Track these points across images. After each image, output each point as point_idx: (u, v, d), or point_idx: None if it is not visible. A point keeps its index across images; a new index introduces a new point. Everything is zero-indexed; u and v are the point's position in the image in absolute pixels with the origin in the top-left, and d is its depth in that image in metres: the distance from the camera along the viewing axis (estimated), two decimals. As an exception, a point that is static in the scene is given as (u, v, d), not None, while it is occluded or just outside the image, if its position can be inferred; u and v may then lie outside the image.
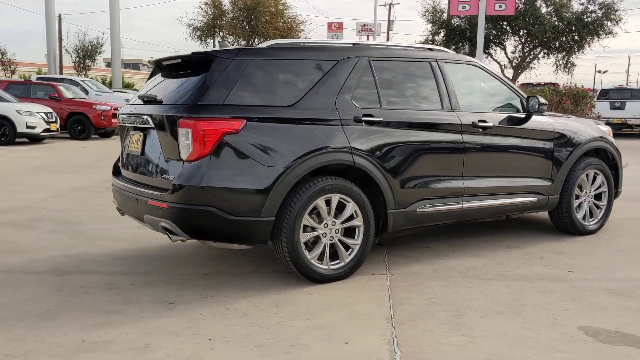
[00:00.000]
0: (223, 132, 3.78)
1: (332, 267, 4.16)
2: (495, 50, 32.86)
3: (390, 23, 52.10)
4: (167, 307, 3.71)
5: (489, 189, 4.95)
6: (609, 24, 29.43)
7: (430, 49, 5.01)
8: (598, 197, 5.79)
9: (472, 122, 4.79)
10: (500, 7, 12.27)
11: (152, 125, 4.05)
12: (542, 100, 5.16)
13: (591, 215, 5.74)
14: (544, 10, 29.42)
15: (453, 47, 32.32)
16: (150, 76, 4.83)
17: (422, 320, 3.46)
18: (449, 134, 4.69)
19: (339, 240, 4.19)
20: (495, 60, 33.05)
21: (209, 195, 3.77)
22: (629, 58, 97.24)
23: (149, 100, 4.22)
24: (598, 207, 5.79)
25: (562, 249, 5.13)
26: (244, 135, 3.83)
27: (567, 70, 31.85)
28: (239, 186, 3.82)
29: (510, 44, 32.27)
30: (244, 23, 36.43)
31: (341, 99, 4.23)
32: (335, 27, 44.71)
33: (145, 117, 4.13)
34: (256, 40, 36.39)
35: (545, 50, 31.52)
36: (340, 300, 3.82)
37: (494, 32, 30.76)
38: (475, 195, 4.86)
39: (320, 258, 4.13)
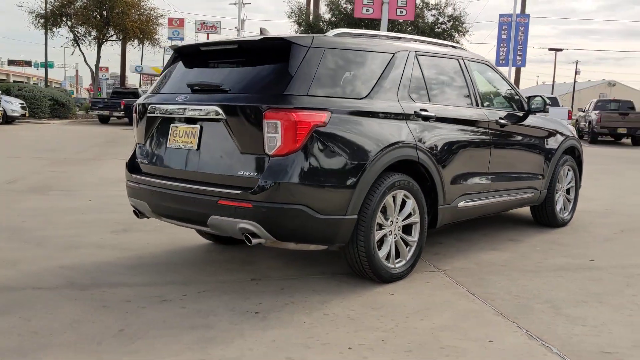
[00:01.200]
0: (313, 125, 3.48)
1: (397, 265, 4.04)
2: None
3: (241, 22, 51.97)
4: (260, 318, 3.33)
5: (505, 184, 5.13)
6: (457, 35, 31.96)
7: (454, 47, 5.07)
8: (567, 191, 6.26)
9: (496, 120, 4.94)
10: (401, 12, 12.81)
11: (220, 117, 3.60)
12: (547, 100, 5.48)
13: (564, 208, 6.20)
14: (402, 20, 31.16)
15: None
16: (171, 64, 4.32)
17: (532, 314, 3.48)
18: (482, 130, 4.79)
19: (400, 237, 4.08)
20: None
21: (300, 193, 3.46)
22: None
23: (205, 89, 3.77)
24: (569, 200, 6.27)
25: (559, 240, 5.47)
26: (330, 129, 3.57)
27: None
28: (329, 183, 3.56)
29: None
30: (96, 12, 33.95)
31: (402, 93, 4.12)
32: (177, 24, 43.45)
33: (204, 107, 3.67)
34: (111, 31, 34.13)
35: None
36: (428, 299, 3.71)
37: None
38: (496, 190, 5.01)
39: (386, 257, 3.99)
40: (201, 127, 3.75)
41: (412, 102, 4.17)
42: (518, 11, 30.45)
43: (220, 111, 3.59)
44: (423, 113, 4.19)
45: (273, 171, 3.42)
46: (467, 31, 32.18)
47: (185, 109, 3.79)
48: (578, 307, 3.63)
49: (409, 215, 4.11)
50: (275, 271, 4.27)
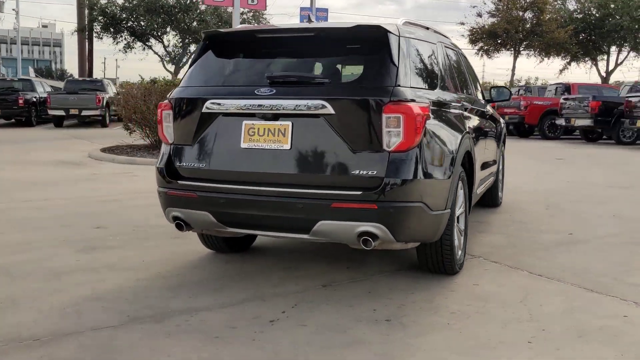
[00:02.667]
0: (425, 118, 3.35)
1: (459, 256, 4.08)
2: (153, 42, 32.57)
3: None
4: (399, 325, 3.11)
5: (487, 171, 5.45)
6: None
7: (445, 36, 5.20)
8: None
9: (486, 108, 5.22)
10: (252, 1, 12.52)
11: (325, 112, 3.25)
12: (511, 90, 5.92)
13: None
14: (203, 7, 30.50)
15: (111, 36, 30.90)
16: (204, 52, 3.77)
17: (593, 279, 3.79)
18: (484, 118, 5.03)
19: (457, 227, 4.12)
20: (156, 53, 32.82)
21: (420, 190, 3.30)
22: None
23: (296, 82, 3.38)
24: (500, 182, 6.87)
25: (523, 219, 5.97)
26: (431, 121, 3.47)
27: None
28: (437, 177, 3.45)
29: (169, 38, 32.44)
30: None
31: (447, 83, 4.16)
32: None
33: (303, 102, 3.28)
34: None
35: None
36: (513, 285, 3.81)
37: (155, 25, 30.44)
38: (482, 178, 5.30)
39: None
40: (292, 124, 3.35)
41: (455, 92, 4.22)
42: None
43: (328, 106, 3.24)
44: (465, 104, 4.27)
45: (397, 168, 3.22)
46: (268, 22, 32.76)
47: (271, 104, 3.34)
48: None
49: (461, 205, 4.17)
50: (335, 274, 3.99)
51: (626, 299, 3.52)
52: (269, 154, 3.40)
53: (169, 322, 3.15)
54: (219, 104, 3.48)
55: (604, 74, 35.50)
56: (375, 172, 3.22)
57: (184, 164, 3.64)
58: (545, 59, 34.77)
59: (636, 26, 31.34)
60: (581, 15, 33.97)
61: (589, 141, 18.17)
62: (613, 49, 34.80)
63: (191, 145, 3.61)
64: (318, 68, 3.52)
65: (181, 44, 32.29)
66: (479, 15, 33.79)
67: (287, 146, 3.34)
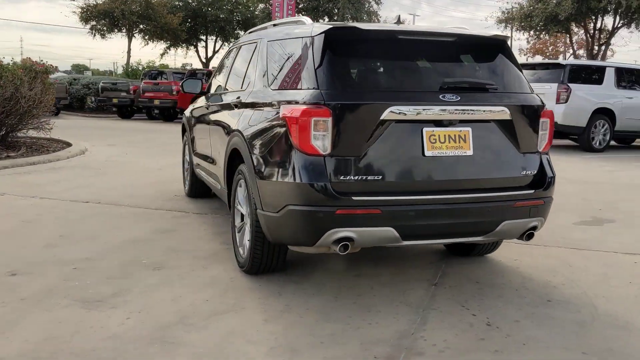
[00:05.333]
0: None
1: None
2: None
3: None
4: (480, 321, 3.60)
5: None
6: None
7: None
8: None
9: None
10: None
11: (505, 117, 3.46)
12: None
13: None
14: None
15: None
16: (336, 49, 3.37)
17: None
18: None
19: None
20: None
21: None
22: None
23: (469, 88, 3.42)
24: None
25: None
26: None
27: None
28: None
29: None
30: None
31: None
32: None
33: (485, 108, 3.41)
34: None
35: None
36: (545, 262, 4.65)
37: None
38: None
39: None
40: (471, 130, 3.41)
41: None
42: None
43: (507, 111, 3.45)
44: None
45: (547, 166, 3.67)
46: None
47: (456, 109, 3.32)
48: None
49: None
50: (351, 270, 4.12)
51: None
52: (452, 160, 3.37)
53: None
54: (404, 111, 3.23)
55: (204, 60, 38.40)
56: (535, 171, 3.61)
57: (353, 177, 3.22)
58: (150, 42, 35.49)
59: (223, 17, 34.65)
60: (182, 4, 35.76)
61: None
62: (213, 37, 37.95)
63: (360, 156, 3.22)
64: (469, 72, 3.58)
65: None
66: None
67: (470, 152, 3.40)
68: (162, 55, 38.57)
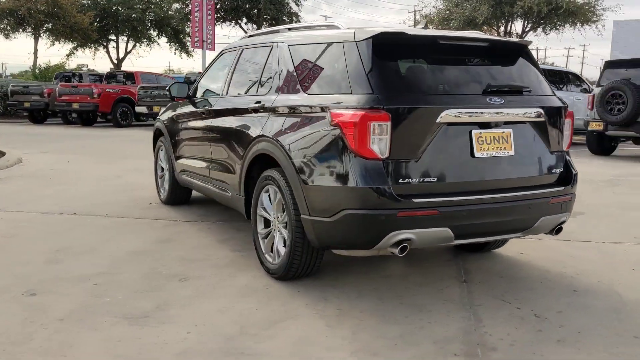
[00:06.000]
0: None
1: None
2: None
3: None
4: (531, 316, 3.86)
5: None
6: None
7: None
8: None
9: None
10: None
11: (542, 119, 3.67)
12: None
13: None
14: None
15: None
16: (383, 54, 3.42)
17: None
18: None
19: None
20: None
21: None
22: None
23: (508, 91, 3.59)
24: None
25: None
26: None
27: None
28: None
29: None
30: None
31: None
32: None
33: (525, 110, 3.60)
34: None
35: None
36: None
37: None
38: None
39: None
40: (512, 131, 3.57)
41: None
42: None
43: (543, 113, 3.65)
44: None
45: (570, 164, 3.90)
46: None
47: (501, 112, 3.48)
48: None
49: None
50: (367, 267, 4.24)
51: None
52: (498, 161, 3.52)
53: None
54: (458, 114, 3.33)
55: (116, 61, 36.95)
56: (562, 169, 3.83)
57: (411, 180, 3.28)
58: (57, 43, 33.74)
59: (136, 17, 33.59)
60: (91, 2, 34.24)
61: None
62: (124, 38, 36.58)
63: (416, 159, 3.29)
64: (503, 75, 3.73)
65: None
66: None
67: (512, 152, 3.55)
68: (68, 56, 36.76)
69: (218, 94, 5.16)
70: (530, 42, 3.99)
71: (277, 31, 4.71)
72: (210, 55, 26.23)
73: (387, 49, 3.44)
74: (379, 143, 3.23)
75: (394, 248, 3.28)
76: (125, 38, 37.02)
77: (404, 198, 3.23)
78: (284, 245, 3.83)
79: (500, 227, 3.61)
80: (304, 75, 3.87)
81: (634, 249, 4.91)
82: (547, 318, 3.40)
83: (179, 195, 6.34)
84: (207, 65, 6.13)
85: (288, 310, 3.47)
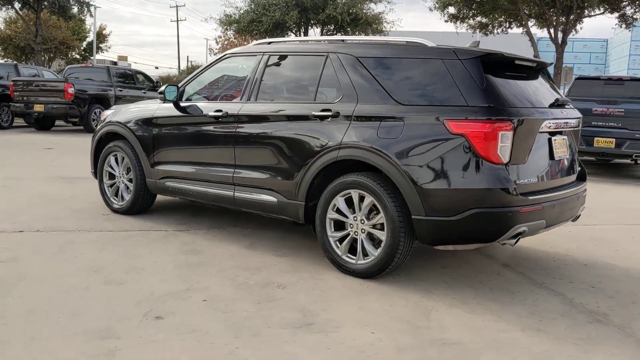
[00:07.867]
0: None
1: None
2: None
3: None
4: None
5: None
6: None
7: None
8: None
9: None
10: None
11: (579, 127, 4.53)
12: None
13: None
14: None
15: None
16: (485, 72, 3.90)
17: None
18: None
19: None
20: None
21: None
22: None
23: (560, 104, 4.42)
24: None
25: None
26: None
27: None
28: None
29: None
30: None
31: None
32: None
33: (576, 119, 4.46)
34: None
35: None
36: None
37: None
38: None
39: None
40: (566, 137, 4.37)
41: None
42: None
43: (580, 121, 4.54)
44: None
45: (581, 163, 4.82)
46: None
47: (567, 122, 4.28)
48: None
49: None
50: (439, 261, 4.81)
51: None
52: (564, 162, 4.34)
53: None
54: (552, 124, 4.00)
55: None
56: (579, 167, 4.74)
57: (523, 180, 3.83)
58: None
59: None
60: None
61: None
62: None
63: (524, 163, 3.84)
64: (553, 91, 4.48)
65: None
66: None
67: (568, 154, 4.38)
68: None
69: (236, 99, 5.04)
70: (551, 63, 4.81)
71: (320, 41, 4.84)
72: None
73: (492, 67, 3.93)
74: (504, 150, 3.70)
75: (512, 240, 3.78)
76: None
77: (523, 197, 3.76)
78: (374, 246, 4.06)
79: (567, 216, 4.35)
80: (393, 86, 4.08)
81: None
82: (623, 294, 4.14)
83: (143, 203, 5.95)
84: (197, 69, 5.84)
85: (411, 307, 3.69)
